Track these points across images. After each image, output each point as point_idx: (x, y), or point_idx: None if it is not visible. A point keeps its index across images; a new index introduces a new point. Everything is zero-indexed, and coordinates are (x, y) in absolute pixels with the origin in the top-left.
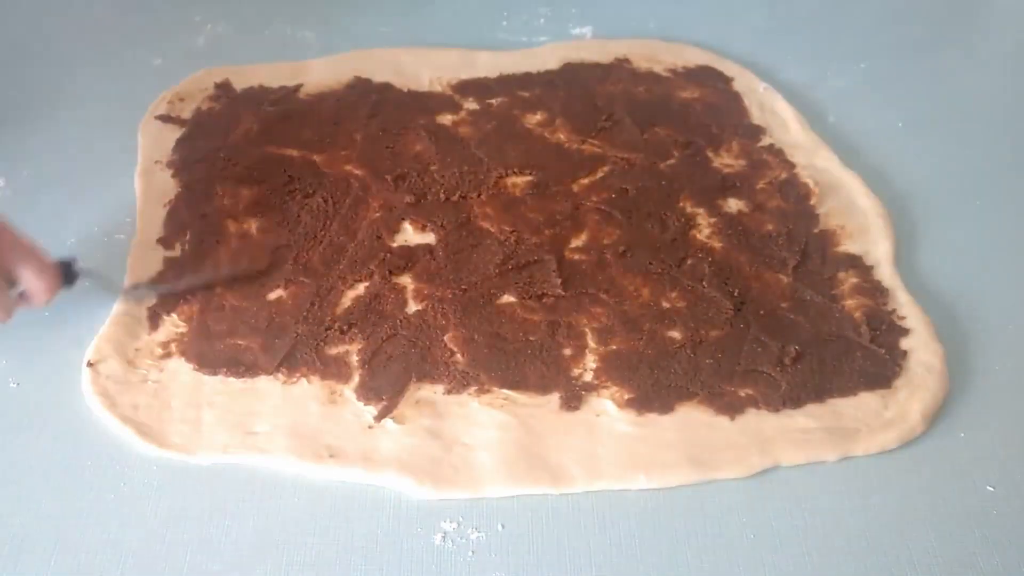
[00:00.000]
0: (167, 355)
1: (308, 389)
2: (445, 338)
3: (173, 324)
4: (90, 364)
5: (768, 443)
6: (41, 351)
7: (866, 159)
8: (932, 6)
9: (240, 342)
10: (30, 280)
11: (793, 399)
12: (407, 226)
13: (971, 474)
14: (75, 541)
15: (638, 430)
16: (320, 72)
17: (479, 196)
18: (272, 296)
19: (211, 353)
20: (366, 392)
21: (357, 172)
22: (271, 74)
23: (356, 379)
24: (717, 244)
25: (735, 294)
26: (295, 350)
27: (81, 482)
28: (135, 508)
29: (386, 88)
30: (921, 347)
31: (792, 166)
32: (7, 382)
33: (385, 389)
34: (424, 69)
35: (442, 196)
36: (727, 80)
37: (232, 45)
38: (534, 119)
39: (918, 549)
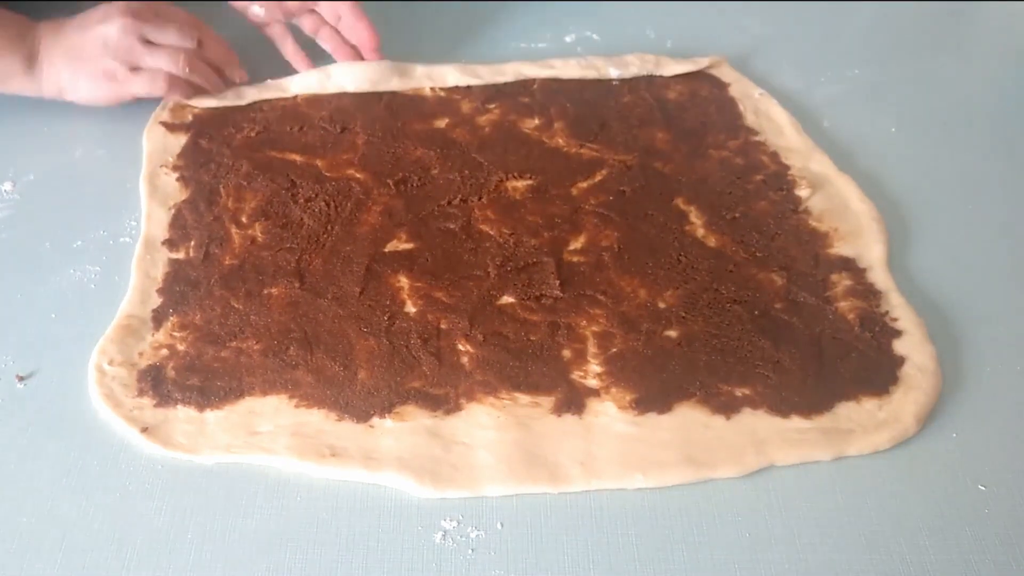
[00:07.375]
0: (171, 357)
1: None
2: (445, 338)
3: (176, 328)
4: (97, 366)
5: (763, 443)
6: (47, 351)
7: (860, 163)
8: (922, 14)
9: (241, 345)
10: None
11: (788, 400)
12: (407, 229)
13: (963, 474)
14: (81, 539)
15: (636, 430)
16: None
17: (480, 199)
18: (274, 299)
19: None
20: (367, 392)
21: (359, 176)
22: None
23: (357, 379)
24: (712, 244)
25: (729, 294)
26: (296, 352)
27: (87, 481)
28: (140, 506)
29: (389, 94)
30: (914, 348)
31: (787, 168)
32: (13, 381)
33: (385, 388)
34: (425, 76)
35: (443, 199)
36: (723, 86)
37: (239, 53)
38: (532, 124)
39: (911, 547)
